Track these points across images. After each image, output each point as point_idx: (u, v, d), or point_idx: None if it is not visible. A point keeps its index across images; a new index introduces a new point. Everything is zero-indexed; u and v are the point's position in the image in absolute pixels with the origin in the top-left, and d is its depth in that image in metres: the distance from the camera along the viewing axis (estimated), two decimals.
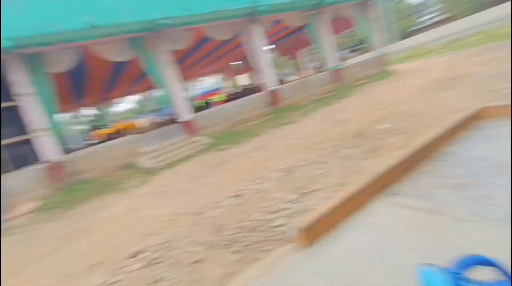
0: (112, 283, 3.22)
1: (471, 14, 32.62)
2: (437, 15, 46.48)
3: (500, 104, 4.65)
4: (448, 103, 6.33)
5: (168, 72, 11.21)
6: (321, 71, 15.59)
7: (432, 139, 3.86)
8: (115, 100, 31.02)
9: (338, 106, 10.84)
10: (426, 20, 48.08)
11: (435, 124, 4.92)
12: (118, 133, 15.66)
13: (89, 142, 16.97)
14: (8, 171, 8.75)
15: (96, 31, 9.18)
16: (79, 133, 27.24)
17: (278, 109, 12.87)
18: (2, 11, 7.67)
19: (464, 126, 4.32)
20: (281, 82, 16.14)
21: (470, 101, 5.89)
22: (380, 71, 15.91)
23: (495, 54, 10.98)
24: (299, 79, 16.54)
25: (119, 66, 14.96)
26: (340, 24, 16.89)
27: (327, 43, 14.99)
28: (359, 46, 34.79)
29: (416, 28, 45.94)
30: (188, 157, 9.51)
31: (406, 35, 40.66)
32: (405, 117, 6.29)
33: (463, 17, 33.52)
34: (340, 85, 14.65)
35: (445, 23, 36.35)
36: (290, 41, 21.57)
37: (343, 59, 20.77)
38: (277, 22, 14.18)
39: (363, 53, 28.30)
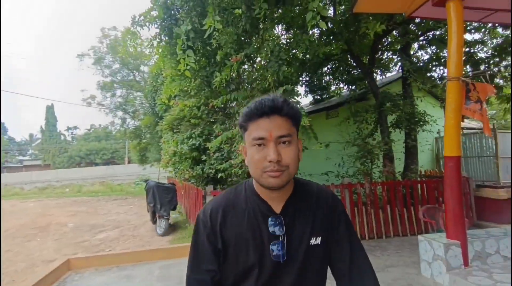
0: None
1: (66, 167, 36.21)
2: (32, 159, 46.52)
3: (87, 256, 5.10)
4: (34, 253, 5.89)
5: None
6: None
7: None
8: None
9: None
10: (22, 160, 46.25)
11: (20, 278, 4.27)
12: None
13: None
14: None
15: None
16: None
17: None
18: None
19: (52, 279, 4.13)
20: None
21: (58, 251, 5.90)
22: None
23: (81, 207, 12.46)
24: None
25: None
26: None
27: None
28: None
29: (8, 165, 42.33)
30: None
31: None
32: None
33: (57, 168, 36.11)
34: None
35: (38, 169, 36.81)
36: None
37: None
38: None
39: None
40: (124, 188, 20.54)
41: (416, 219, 5.95)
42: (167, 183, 8.14)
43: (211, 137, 5.96)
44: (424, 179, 7.16)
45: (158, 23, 5.02)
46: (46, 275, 4.02)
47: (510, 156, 8.66)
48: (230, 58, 4.63)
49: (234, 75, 5.16)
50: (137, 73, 17.64)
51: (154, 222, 7.19)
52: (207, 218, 0.89)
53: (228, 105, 5.93)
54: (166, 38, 5.05)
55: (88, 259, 4.96)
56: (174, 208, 7.41)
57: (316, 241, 0.90)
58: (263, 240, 0.86)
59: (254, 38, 5.37)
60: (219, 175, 5.18)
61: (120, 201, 14.45)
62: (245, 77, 6.40)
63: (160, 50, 5.37)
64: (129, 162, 32.03)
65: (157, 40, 5.32)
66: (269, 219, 0.86)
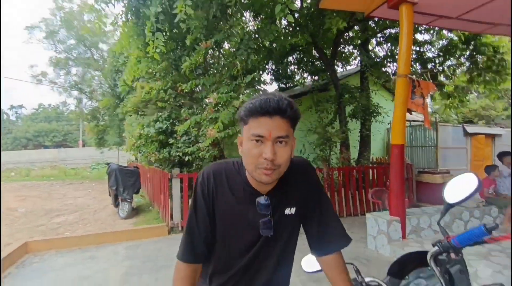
0: None
1: (10, 150, 33.15)
2: None
3: (46, 238, 4.98)
4: None
5: None
6: None
7: None
8: None
9: None
10: None
11: None
12: None
13: None
14: None
15: None
16: None
17: None
18: None
19: (9, 262, 4.02)
20: None
21: (11, 236, 5.64)
22: None
23: (32, 192, 11.72)
24: None
25: None
26: None
27: None
28: None
29: None
30: None
31: None
32: None
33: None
34: None
35: None
36: None
37: None
38: None
39: None
40: (79, 172, 19.47)
41: (366, 201, 6.61)
42: (131, 166, 8.01)
43: (177, 122, 5.98)
44: (375, 165, 7.89)
45: (124, 2, 4.87)
46: (1, 259, 3.89)
47: (448, 146, 9.79)
48: (199, 43, 4.67)
49: (200, 59, 5.21)
50: (95, 50, 16.48)
51: (117, 205, 7.09)
52: (205, 181, 0.98)
53: (195, 90, 5.97)
54: (133, 17, 4.92)
55: (47, 242, 4.85)
56: (138, 192, 7.35)
57: (291, 210, 0.99)
58: (250, 214, 0.95)
59: (221, 23, 5.43)
60: (187, 158, 5.27)
61: (76, 186, 13.78)
62: (211, 62, 6.44)
63: (126, 29, 5.21)
64: (83, 145, 30.18)
65: (123, 19, 5.15)
66: (257, 199, 0.94)
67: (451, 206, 1.10)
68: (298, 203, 1.01)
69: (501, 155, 5.22)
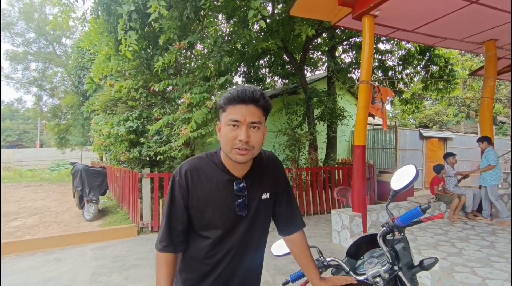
0: None
1: None
2: None
3: (3, 241, 4.71)
4: None
5: None
6: None
7: None
8: None
9: None
10: None
11: None
12: None
13: None
14: None
15: None
16: None
17: None
18: None
19: None
20: None
21: None
22: None
23: None
24: None
25: None
26: None
27: None
28: None
29: None
30: None
31: None
32: None
33: None
34: None
35: None
36: None
37: None
38: None
39: None
40: (37, 174, 18.23)
41: (332, 199, 6.98)
42: (97, 167, 7.74)
43: (148, 121, 5.92)
44: (340, 165, 8.32)
45: None
46: None
47: (406, 148, 10.55)
48: (173, 44, 4.71)
49: (173, 60, 5.23)
50: (57, 45, 15.55)
51: (82, 207, 6.83)
52: (182, 178, 1.05)
53: (167, 90, 5.96)
54: (104, 14, 4.82)
55: (6, 245, 4.59)
56: (105, 193, 7.13)
57: (266, 196, 1.13)
58: (228, 199, 1.06)
59: (195, 25, 5.49)
60: (158, 157, 5.25)
61: (34, 188, 12.93)
62: (182, 62, 6.45)
63: (95, 26, 5.10)
64: (41, 146, 28.29)
65: (93, 15, 5.04)
66: (234, 182, 1.06)
67: (396, 192, 1.32)
68: (271, 189, 1.17)
69: (445, 156, 5.82)
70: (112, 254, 4.44)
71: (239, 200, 1.08)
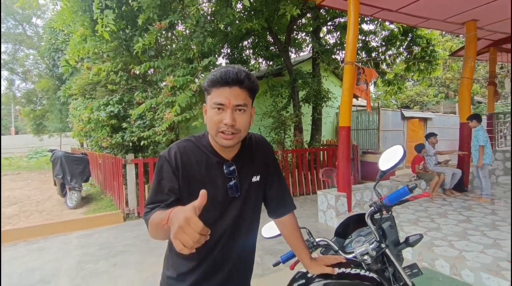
0: None
1: None
2: None
3: None
4: None
5: None
6: None
7: None
8: None
9: None
10: None
11: None
12: None
13: None
14: None
15: None
16: None
17: None
18: None
19: None
20: None
21: None
22: None
23: None
24: None
25: None
26: None
27: None
28: None
29: None
30: None
31: None
32: None
33: None
34: None
35: None
36: None
37: None
38: None
39: None
40: (14, 163, 17.54)
41: (317, 180, 7.11)
42: (78, 153, 7.50)
43: (130, 105, 5.72)
44: (325, 147, 8.43)
45: None
46: None
47: (388, 129, 10.79)
48: (153, 24, 4.50)
49: (153, 41, 5.02)
50: (27, 26, 14.58)
51: (64, 195, 6.66)
52: (172, 157, 1.02)
53: (148, 73, 5.75)
54: None
55: None
56: (87, 180, 6.96)
57: (256, 178, 1.12)
58: (219, 181, 1.04)
59: (175, 3, 5.25)
60: (142, 142, 5.13)
61: (12, 176, 12.48)
62: (163, 43, 6.20)
63: (68, 4, 4.78)
64: (16, 133, 27.13)
65: None
66: (224, 165, 1.04)
67: (384, 172, 1.33)
68: (261, 172, 1.15)
69: (427, 136, 5.99)
70: (98, 242, 4.39)
71: (231, 183, 1.06)
